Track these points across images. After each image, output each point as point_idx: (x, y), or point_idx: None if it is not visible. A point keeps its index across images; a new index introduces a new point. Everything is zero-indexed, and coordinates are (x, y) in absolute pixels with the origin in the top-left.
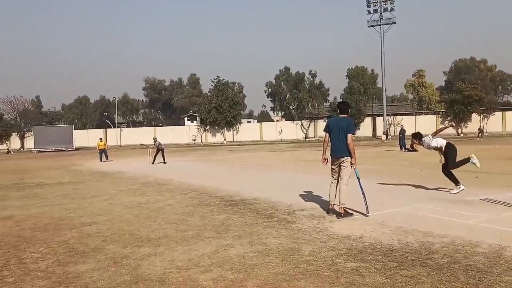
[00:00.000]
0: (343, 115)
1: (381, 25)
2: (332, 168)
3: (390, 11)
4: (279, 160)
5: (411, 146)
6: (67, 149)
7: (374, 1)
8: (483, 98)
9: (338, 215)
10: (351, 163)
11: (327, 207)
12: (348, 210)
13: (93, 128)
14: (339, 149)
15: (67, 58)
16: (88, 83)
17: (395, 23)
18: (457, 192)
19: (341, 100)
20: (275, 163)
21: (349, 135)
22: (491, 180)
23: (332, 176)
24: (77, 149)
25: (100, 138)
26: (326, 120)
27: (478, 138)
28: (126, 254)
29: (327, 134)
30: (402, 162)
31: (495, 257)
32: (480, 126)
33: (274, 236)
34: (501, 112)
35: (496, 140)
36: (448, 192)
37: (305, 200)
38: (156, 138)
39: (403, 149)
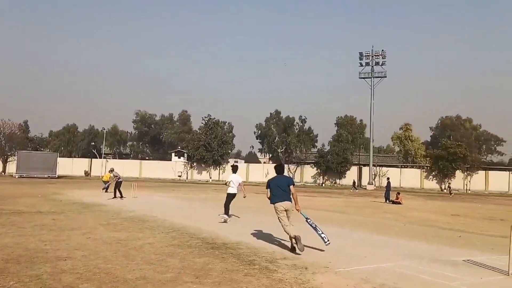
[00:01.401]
0: (281, 174)
1: (372, 78)
2: (281, 213)
3: (381, 65)
4: (264, 203)
5: (396, 199)
6: (49, 176)
7: (366, 54)
8: (467, 156)
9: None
10: (297, 209)
11: (291, 247)
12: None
13: (78, 157)
14: (282, 196)
15: (59, 86)
16: (78, 112)
17: (385, 77)
18: (223, 220)
19: (328, 146)
20: (259, 206)
21: (291, 187)
22: (474, 240)
23: (283, 220)
24: (59, 177)
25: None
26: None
27: (451, 195)
28: None
29: (269, 190)
30: (386, 215)
31: None
32: (449, 183)
33: (255, 285)
34: (484, 171)
35: (478, 199)
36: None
37: (289, 248)
38: (113, 169)
39: (388, 201)
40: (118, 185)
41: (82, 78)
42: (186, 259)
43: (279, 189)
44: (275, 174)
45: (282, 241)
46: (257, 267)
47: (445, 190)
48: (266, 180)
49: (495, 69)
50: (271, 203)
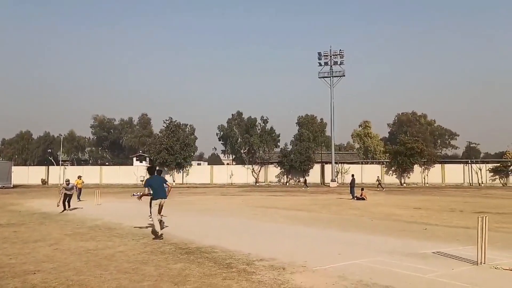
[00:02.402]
0: (155, 175)
1: (331, 77)
2: (156, 206)
3: (340, 64)
4: (232, 205)
5: (360, 195)
6: (4, 186)
7: (325, 54)
8: (424, 150)
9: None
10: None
11: (157, 236)
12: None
13: (34, 165)
14: (162, 194)
15: (10, 91)
16: (32, 118)
17: (344, 76)
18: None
19: (291, 146)
20: (228, 208)
21: (168, 184)
22: (439, 233)
23: (154, 210)
24: (15, 186)
25: (79, 176)
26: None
27: (384, 189)
28: None
29: (148, 188)
30: (353, 211)
31: None
32: (378, 177)
33: None
34: (440, 164)
35: (435, 192)
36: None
37: (263, 250)
38: (69, 180)
39: (353, 197)
40: (67, 197)
41: (34, 82)
42: (161, 266)
43: (159, 188)
44: (149, 175)
45: (256, 243)
46: (235, 270)
47: (404, 184)
48: (230, 181)
49: (448, 64)
50: (153, 198)
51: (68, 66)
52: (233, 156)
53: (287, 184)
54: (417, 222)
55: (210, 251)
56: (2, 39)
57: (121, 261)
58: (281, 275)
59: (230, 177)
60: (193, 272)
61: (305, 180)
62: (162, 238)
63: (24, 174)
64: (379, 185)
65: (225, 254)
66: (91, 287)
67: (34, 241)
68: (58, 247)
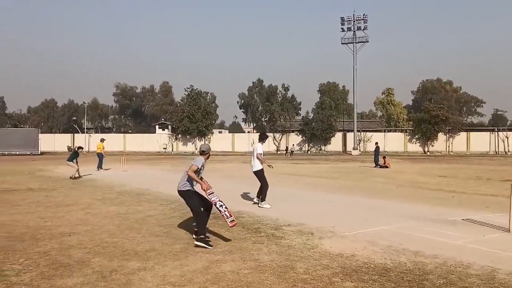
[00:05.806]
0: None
1: (354, 43)
2: None
3: (363, 30)
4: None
5: (383, 163)
6: (32, 153)
7: (348, 19)
8: (449, 118)
9: None
10: None
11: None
12: None
13: (59, 133)
14: None
15: (36, 60)
16: (57, 87)
17: (367, 41)
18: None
19: (312, 114)
20: (252, 175)
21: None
22: (467, 200)
23: None
24: (42, 153)
25: (102, 139)
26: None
27: (288, 156)
28: (114, 268)
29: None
30: (377, 179)
31: (489, 279)
32: (288, 146)
33: (265, 252)
34: (465, 132)
35: (460, 160)
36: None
37: (290, 215)
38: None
39: (377, 166)
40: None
41: (57, 51)
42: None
43: None
44: None
45: (283, 209)
46: (264, 235)
47: (428, 153)
48: (251, 149)
49: (474, 30)
50: None
51: (90, 34)
52: (254, 124)
53: (309, 152)
54: (444, 190)
55: (237, 216)
56: (27, 8)
57: (152, 225)
58: (310, 240)
59: (251, 145)
60: (223, 236)
61: (286, 147)
62: None
63: (51, 142)
64: (290, 153)
65: (253, 219)
66: (125, 248)
67: (66, 205)
68: (90, 211)
